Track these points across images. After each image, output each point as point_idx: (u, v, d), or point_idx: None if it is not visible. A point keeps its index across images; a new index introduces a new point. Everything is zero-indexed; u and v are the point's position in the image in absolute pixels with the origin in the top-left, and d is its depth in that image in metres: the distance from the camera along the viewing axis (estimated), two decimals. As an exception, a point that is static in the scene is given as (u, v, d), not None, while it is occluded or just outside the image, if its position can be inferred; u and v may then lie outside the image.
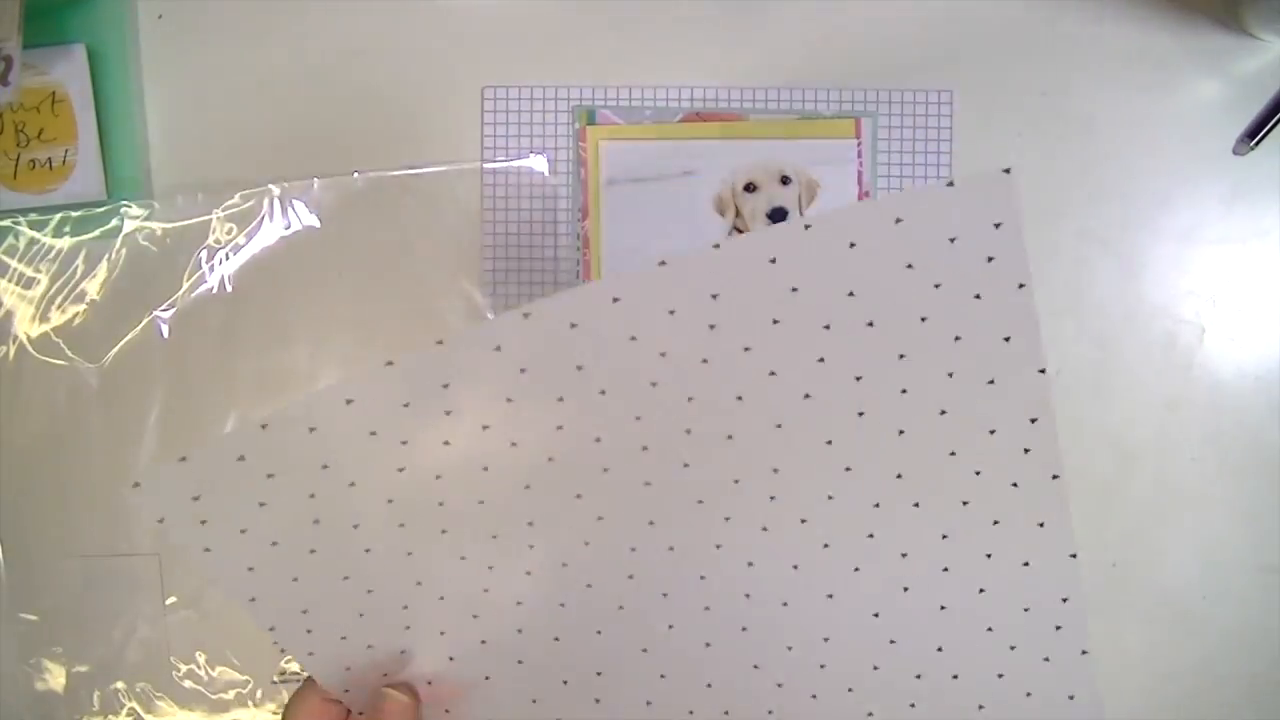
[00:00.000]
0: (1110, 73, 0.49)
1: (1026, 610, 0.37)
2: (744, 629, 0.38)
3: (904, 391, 0.34)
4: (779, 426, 0.35)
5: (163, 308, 0.51)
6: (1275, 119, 0.43)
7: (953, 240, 0.32)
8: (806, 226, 0.32)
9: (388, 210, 0.51)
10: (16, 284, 0.51)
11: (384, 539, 0.36)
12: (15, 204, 0.50)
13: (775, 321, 0.33)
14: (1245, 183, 0.49)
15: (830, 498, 0.36)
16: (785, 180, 0.50)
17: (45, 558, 0.51)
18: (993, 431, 0.35)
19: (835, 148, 0.50)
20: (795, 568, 0.37)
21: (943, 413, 0.35)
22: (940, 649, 0.38)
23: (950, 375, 0.34)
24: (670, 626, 0.38)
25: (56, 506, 0.51)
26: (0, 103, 0.46)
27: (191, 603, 0.51)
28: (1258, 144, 0.44)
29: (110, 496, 0.51)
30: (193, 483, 0.34)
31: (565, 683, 0.39)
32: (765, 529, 0.36)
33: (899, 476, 0.36)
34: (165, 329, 0.51)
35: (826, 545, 0.37)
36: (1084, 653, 0.37)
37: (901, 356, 0.34)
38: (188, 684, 0.51)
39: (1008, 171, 0.31)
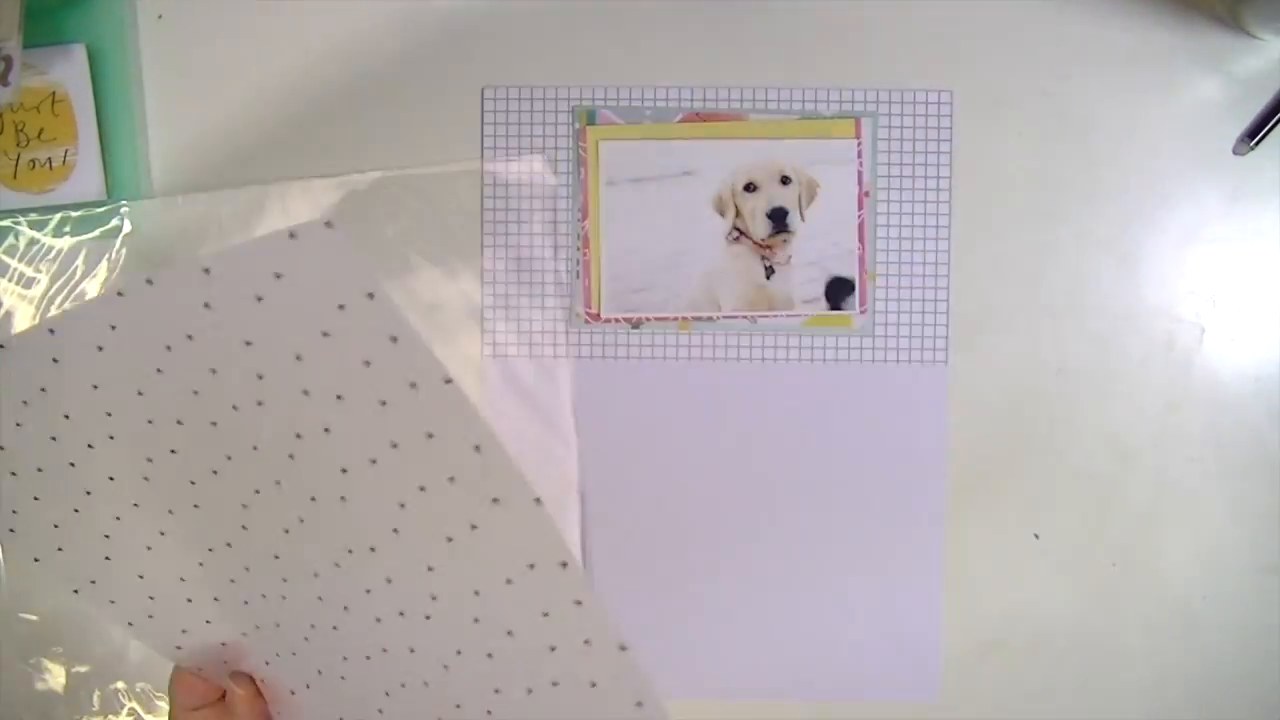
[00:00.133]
0: (1110, 73, 0.49)
1: (546, 615, 0.36)
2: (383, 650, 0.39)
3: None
4: (299, 436, 0.36)
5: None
6: (1275, 119, 0.44)
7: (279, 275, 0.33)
8: (205, 269, 0.33)
9: (388, 210, 0.51)
10: (16, 284, 0.51)
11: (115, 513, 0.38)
12: (15, 204, 0.50)
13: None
14: (1245, 183, 0.49)
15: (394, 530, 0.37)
16: (785, 180, 0.50)
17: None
18: (430, 434, 0.34)
19: (835, 148, 0.50)
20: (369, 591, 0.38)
21: (395, 445, 0.35)
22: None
23: (383, 404, 0.34)
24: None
25: (56, 506, 0.51)
26: (0, 103, 0.46)
27: (191, 603, 0.51)
28: (1258, 144, 0.44)
29: (110, 496, 0.51)
30: None
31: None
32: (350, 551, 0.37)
33: (403, 505, 0.36)
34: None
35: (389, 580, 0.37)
36: (622, 648, 0.35)
37: (339, 397, 0.34)
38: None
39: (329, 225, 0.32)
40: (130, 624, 0.41)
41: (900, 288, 0.50)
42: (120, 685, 0.51)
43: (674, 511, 0.51)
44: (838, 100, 0.50)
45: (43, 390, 0.36)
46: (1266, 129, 0.44)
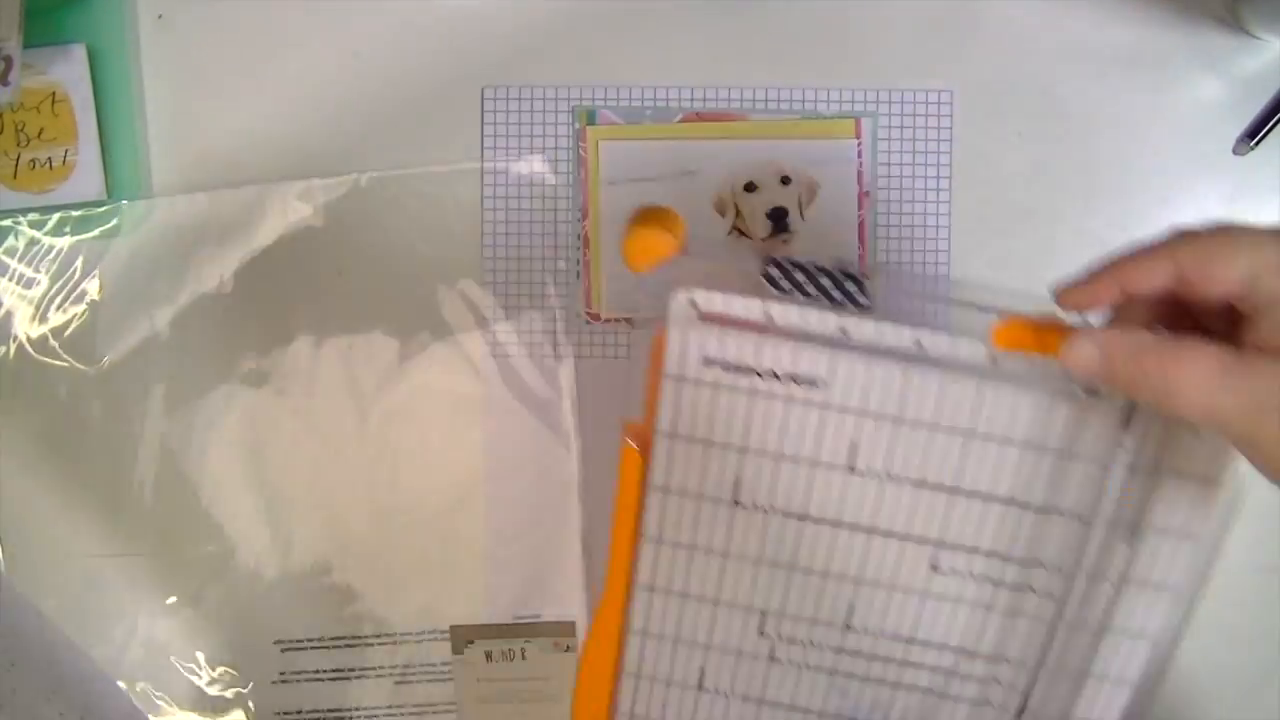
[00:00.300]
0: (1110, 73, 0.49)
1: None
2: None
3: None
4: None
5: (162, 308, 0.51)
6: (1275, 119, 0.44)
7: None
8: None
9: (388, 210, 0.51)
10: (16, 284, 0.51)
11: None
12: (15, 204, 0.50)
13: None
14: (1245, 183, 0.49)
15: None
16: (785, 180, 0.50)
17: (45, 557, 0.51)
18: None
19: (835, 148, 0.50)
20: None
21: None
22: None
23: None
24: None
25: (57, 506, 0.51)
26: (0, 103, 0.46)
27: (192, 603, 0.51)
28: (1258, 144, 0.44)
29: (110, 496, 0.51)
30: None
31: None
32: None
33: None
34: (165, 329, 0.51)
35: None
36: None
37: None
38: (188, 684, 0.51)
39: None
40: None
41: (900, 288, 0.50)
42: (120, 685, 0.51)
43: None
44: (838, 100, 0.50)
45: None
46: (1266, 129, 0.44)
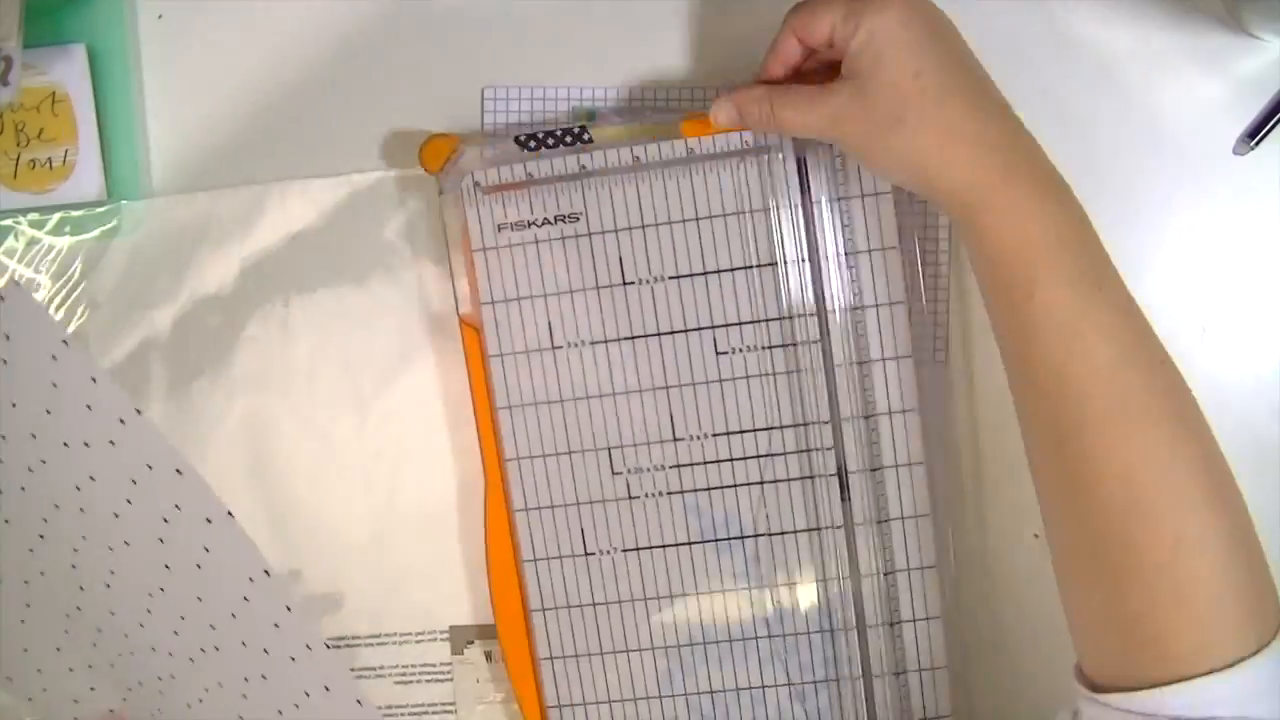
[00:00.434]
0: (1110, 73, 0.49)
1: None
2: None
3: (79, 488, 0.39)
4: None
5: (162, 308, 0.51)
6: (1275, 119, 0.43)
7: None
8: None
9: (387, 210, 0.51)
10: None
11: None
12: (15, 204, 0.50)
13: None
14: (1245, 183, 0.49)
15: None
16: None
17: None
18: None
19: (835, 148, 0.50)
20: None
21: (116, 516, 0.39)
22: None
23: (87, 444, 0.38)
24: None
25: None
26: (0, 103, 0.46)
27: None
28: (1258, 144, 0.44)
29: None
30: None
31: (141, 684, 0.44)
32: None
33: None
34: (165, 329, 0.51)
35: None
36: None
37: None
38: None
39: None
40: (29, 699, 0.42)
41: (900, 287, 0.50)
42: None
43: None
44: (837, 100, 0.50)
45: None
46: (1266, 129, 0.44)
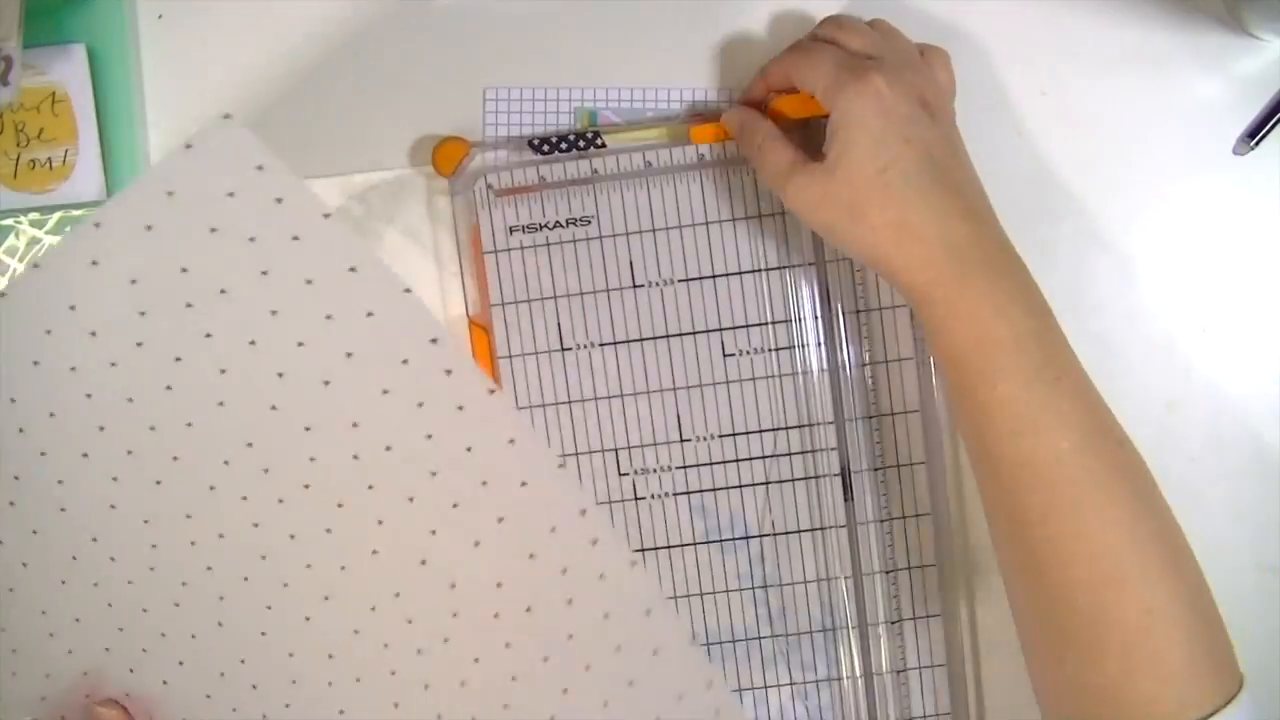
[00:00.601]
0: (1110, 73, 0.49)
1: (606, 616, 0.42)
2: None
3: (327, 383, 0.39)
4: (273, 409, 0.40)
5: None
6: (1275, 119, 0.43)
7: (232, 195, 0.37)
8: (96, 225, 0.37)
9: (387, 210, 0.51)
10: (16, 284, 0.51)
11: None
12: (15, 204, 0.50)
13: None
14: (1245, 183, 0.49)
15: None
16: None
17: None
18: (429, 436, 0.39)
19: (836, 148, 0.50)
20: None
21: (385, 392, 0.39)
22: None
23: (350, 355, 0.37)
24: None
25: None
26: (0, 103, 0.46)
27: (192, 603, 0.51)
28: (1258, 144, 0.44)
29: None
30: None
31: (222, 674, 0.42)
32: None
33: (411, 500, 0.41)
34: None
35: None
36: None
37: (300, 344, 0.38)
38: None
39: (227, 116, 0.34)
40: None
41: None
42: None
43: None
44: (838, 100, 0.50)
45: None
46: (1266, 129, 0.44)
